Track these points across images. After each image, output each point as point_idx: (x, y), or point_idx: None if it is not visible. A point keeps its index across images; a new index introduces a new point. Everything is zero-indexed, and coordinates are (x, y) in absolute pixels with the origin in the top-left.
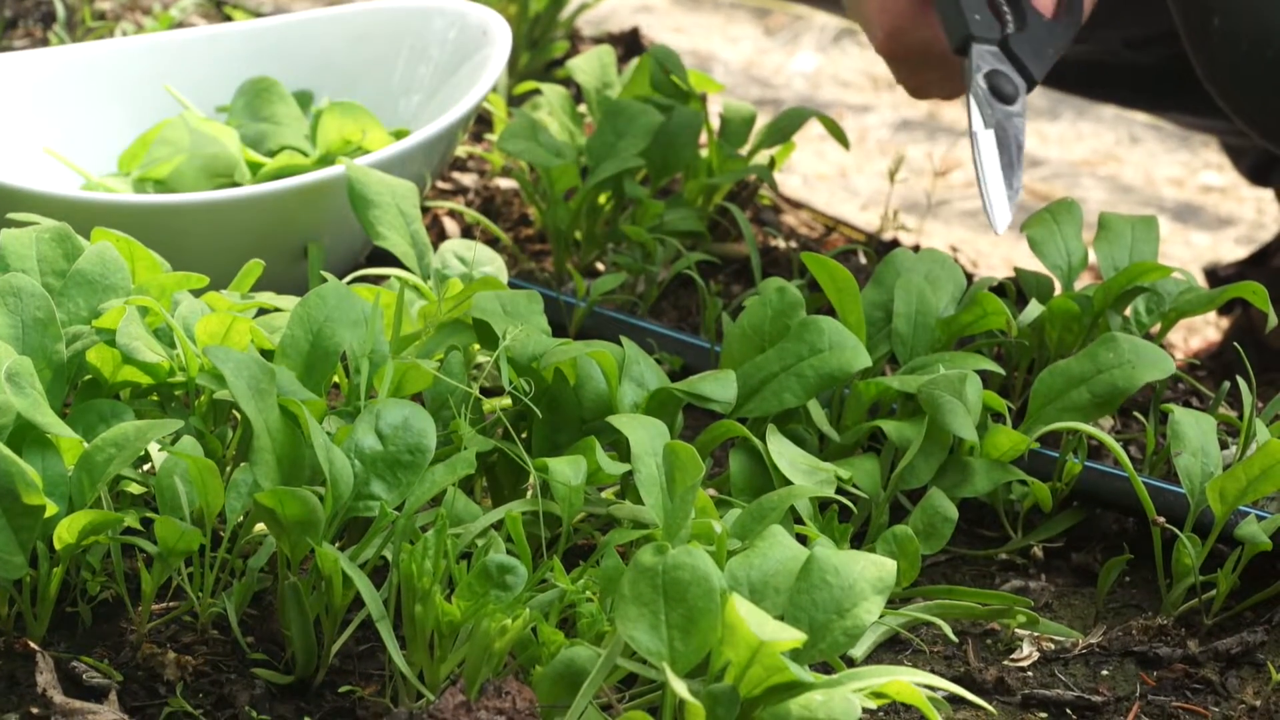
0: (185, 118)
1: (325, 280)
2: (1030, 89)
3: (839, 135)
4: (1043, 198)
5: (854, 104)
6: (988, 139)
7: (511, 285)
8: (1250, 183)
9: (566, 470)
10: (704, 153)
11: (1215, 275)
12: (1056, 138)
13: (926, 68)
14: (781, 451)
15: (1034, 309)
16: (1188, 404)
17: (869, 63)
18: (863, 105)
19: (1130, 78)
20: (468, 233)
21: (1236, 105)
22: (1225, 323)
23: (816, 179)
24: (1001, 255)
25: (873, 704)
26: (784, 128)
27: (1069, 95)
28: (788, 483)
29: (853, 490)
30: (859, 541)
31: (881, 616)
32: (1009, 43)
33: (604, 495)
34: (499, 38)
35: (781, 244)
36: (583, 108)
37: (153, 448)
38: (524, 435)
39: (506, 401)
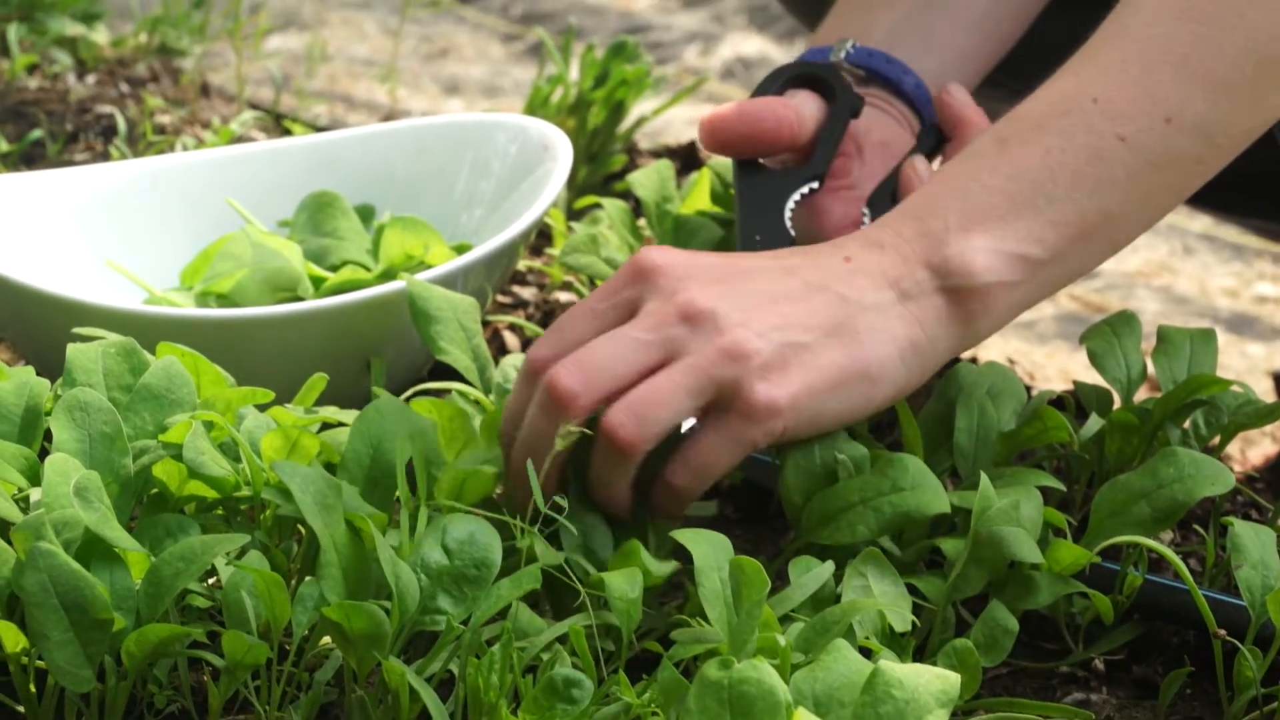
0: (247, 232)
1: (381, 395)
2: None
3: None
4: (1098, 309)
5: None
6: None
7: None
8: None
9: (623, 584)
10: None
11: None
12: None
13: None
14: (871, 587)
15: (1094, 423)
16: (1247, 516)
17: None
18: None
19: (1227, 177)
20: (528, 346)
21: None
22: None
23: None
24: (1057, 366)
25: None
26: None
27: None
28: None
29: (917, 601)
30: (920, 654)
31: None
32: None
33: (667, 608)
34: (561, 152)
35: None
36: (642, 221)
37: (219, 561)
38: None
39: None
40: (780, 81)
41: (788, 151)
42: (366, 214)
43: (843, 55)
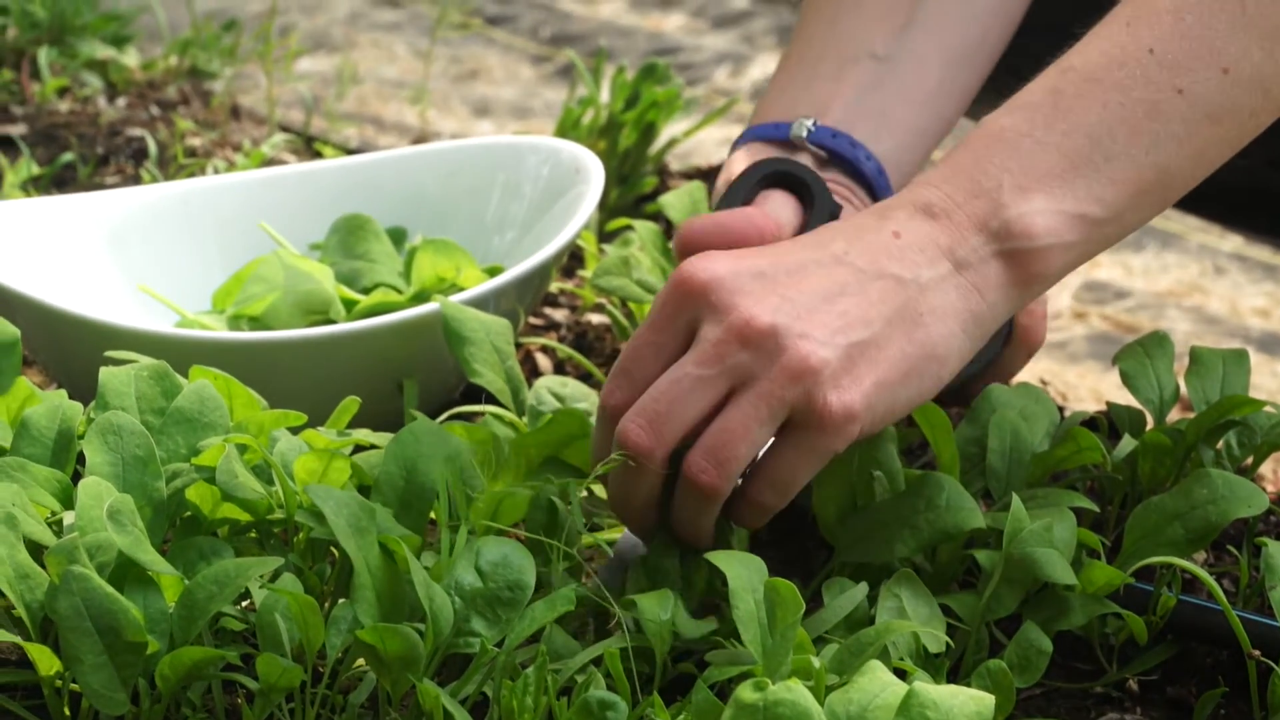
0: (279, 255)
1: (416, 418)
2: None
3: None
4: (1129, 329)
5: None
6: None
7: None
8: None
9: (654, 606)
10: None
11: None
12: (1141, 269)
13: None
14: (905, 609)
15: (1127, 443)
16: None
17: None
18: None
19: (1257, 195)
20: (560, 368)
21: None
22: None
23: None
24: (1090, 387)
25: None
26: None
27: (1165, 223)
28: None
29: (951, 622)
30: (954, 675)
31: None
32: None
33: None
34: (593, 175)
35: None
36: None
37: (252, 584)
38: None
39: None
40: (754, 181)
41: None
42: (398, 236)
43: (804, 134)
